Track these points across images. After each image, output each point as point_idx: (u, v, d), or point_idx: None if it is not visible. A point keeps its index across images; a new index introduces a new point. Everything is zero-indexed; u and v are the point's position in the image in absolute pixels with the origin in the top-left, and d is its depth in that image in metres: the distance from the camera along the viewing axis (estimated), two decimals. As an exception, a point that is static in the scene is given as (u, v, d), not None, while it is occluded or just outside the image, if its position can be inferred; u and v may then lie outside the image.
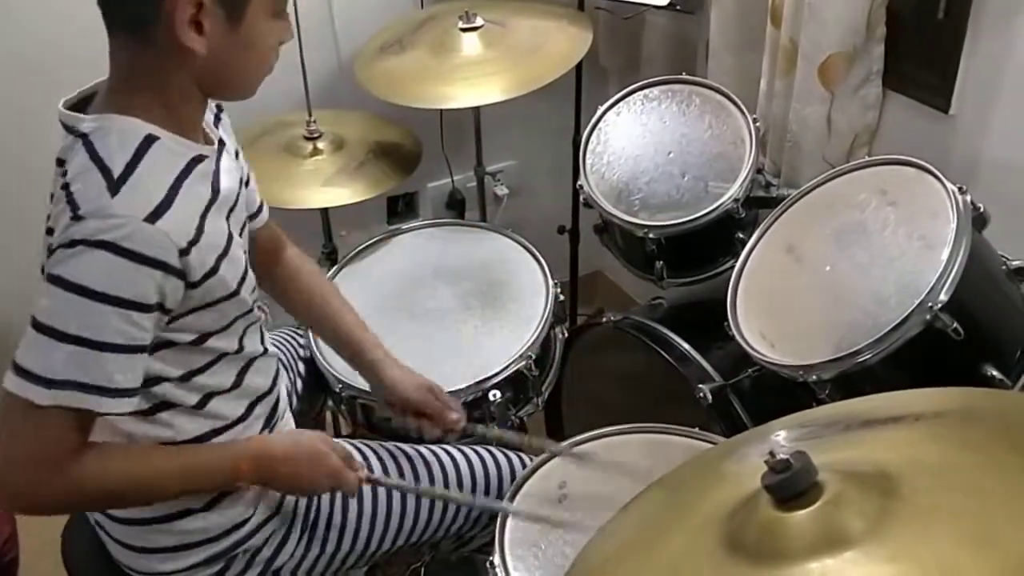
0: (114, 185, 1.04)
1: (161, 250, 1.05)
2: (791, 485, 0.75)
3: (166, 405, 1.19)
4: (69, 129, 1.10)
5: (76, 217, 1.03)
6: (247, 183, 1.35)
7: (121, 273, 1.03)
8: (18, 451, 1.07)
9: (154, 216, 1.05)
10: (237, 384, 1.26)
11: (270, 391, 1.34)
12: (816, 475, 0.75)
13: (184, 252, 1.07)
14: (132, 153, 1.07)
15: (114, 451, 1.15)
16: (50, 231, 1.09)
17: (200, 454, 1.23)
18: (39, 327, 1.04)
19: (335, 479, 1.28)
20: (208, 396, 1.23)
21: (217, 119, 1.28)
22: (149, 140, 1.08)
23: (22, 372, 1.04)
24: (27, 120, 1.92)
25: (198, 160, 1.14)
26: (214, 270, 1.13)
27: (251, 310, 1.24)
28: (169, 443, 1.21)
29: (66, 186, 1.06)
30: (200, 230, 1.10)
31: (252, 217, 1.40)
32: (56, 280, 1.03)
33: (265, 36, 1.12)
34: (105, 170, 1.05)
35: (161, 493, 1.21)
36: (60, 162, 1.10)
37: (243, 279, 1.20)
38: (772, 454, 0.76)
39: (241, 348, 1.25)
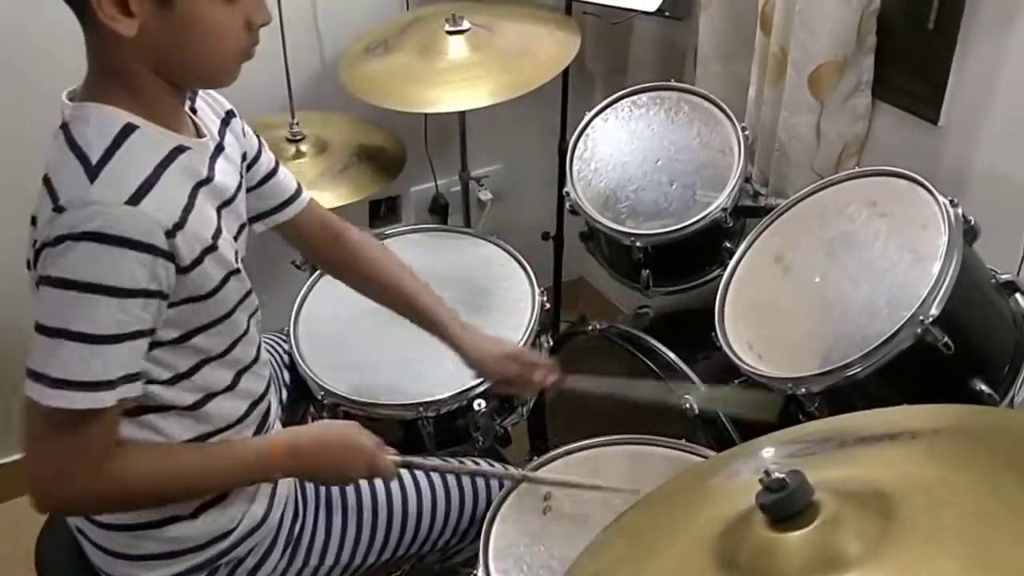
0: (92, 171, 1.03)
1: (146, 232, 1.03)
2: (787, 505, 0.73)
3: (154, 408, 1.17)
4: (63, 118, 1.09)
5: (57, 208, 1.02)
6: (269, 177, 1.38)
7: (110, 261, 1.01)
8: (53, 458, 1.06)
9: (135, 198, 1.03)
10: (234, 385, 1.24)
11: (263, 396, 1.32)
12: (812, 495, 0.74)
13: (170, 234, 1.05)
14: (111, 140, 1.05)
15: (149, 448, 1.16)
16: (33, 220, 1.08)
17: (235, 448, 1.23)
18: (44, 330, 1.03)
19: (370, 464, 1.27)
20: (208, 396, 1.21)
21: (225, 123, 1.27)
22: (128, 129, 1.07)
23: (39, 377, 1.03)
24: (9, 127, 1.89)
25: (180, 150, 1.11)
26: (199, 260, 1.11)
27: (232, 314, 1.21)
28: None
29: (46, 175, 1.05)
30: (185, 215, 1.08)
31: (285, 205, 1.41)
32: (49, 281, 1.02)
33: (214, 17, 1.07)
34: (83, 157, 1.03)
35: (200, 488, 1.21)
36: None
37: (225, 283, 1.16)
38: (767, 473, 0.74)
39: (228, 351, 1.22)
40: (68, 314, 1.02)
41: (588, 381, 1.55)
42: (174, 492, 1.19)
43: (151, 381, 1.14)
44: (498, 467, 1.50)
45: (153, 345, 1.11)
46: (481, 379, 1.55)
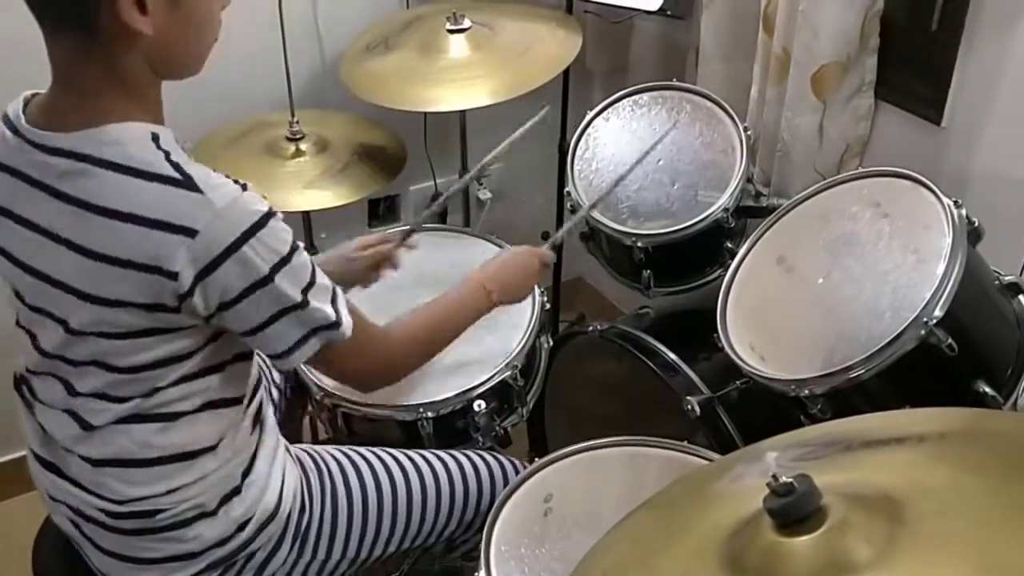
0: (189, 184, 1.04)
1: (263, 200, 1.10)
2: (795, 509, 0.73)
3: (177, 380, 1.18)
4: (51, 150, 1.06)
5: (191, 234, 1.03)
6: None
7: (282, 229, 1.10)
8: (368, 358, 1.27)
9: (237, 183, 1.08)
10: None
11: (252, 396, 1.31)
12: (820, 499, 0.73)
13: None
14: (161, 151, 1.06)
15: (404, 318, 1.34)
16: (174, 275, 1.05)
17: (453, 296, 1.41)
18: (296, 306, 1.12)
19: (542, 262, 1.53)
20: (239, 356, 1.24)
21: None
22: (155, 137, 1.07)
23: (325, 328, 1.15)
24: None
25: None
26: None
27: None
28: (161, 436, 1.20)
29: (137, 216, 1.03)
30: None
31: None
32: (261, 281, 1.08)
33: (209, 7, 1.10)
34: (164, 178, 1.04)
35: (449, 331, 1.39)
36: (54, 193, 1.07)
37: None
38: (775, 477, 0.73)
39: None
40: (297, 279, 1.11)
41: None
42: (434, 338, 1.37)
43: (179, 358, 1.15)
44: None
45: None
46: (476, 382, 1.57)
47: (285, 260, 1.09)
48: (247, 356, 1.25)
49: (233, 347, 1.21)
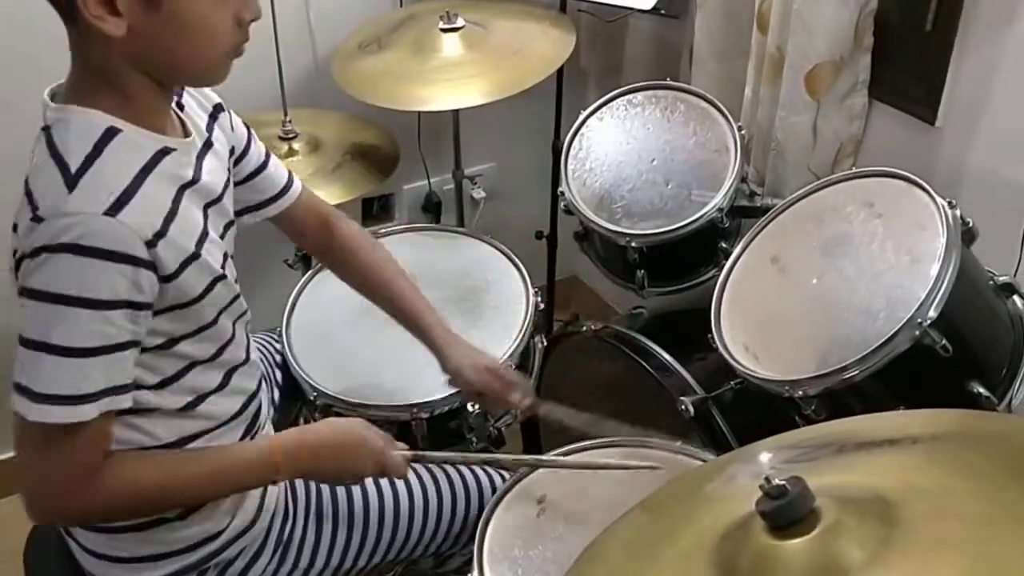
0: (71, 180, 1.01)
1: (125, 243, 1.01)
2: (787, 512, 0.72)
3: (143, 411, 1.15)
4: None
5: (36, 218, 1.00)
6: (260, 170, 1.37)
7: (90, 273, 0.99)
8: (43, 471, 1.06)
9: (114, 209, 1.01)
10: (225, 383, 1.23)
11: (256, 393, 1.30)
12: (813, 501, 0.73)
13: (151, 244, 1.03)
14: (91, 146, 1.03)
15: (143, 458, 1.14)
16: (15, 227, 1.06)
17: (232, 453, 1.21)
18: (26, 343, 1.01)
19: (380, 462, 1.25)
20: (200, 397, 1.20)
21: (213, 118, 1.25)
22: (110, 133, 1.04)
23: (22, 390, 1.02)
24: (14, 113, 1.85)
25: (164, 153, 1.09)
26: (181, 269, 1.09)
27: (217, 321, 1.18)
28: (140, 448, 1.16)
29: (27, 182, 1.04)
30: (167, 223, 1.06)
31: (275, 198, 1.41)
32: (29, 292, 1.01)
33: (203, 14, 1.05)
34: (62, 164, 1.02)
35: (195, 496, 1.20)
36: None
37: (210, 289, 1.14)
38: (768, 479, 0.73)
39: (216, 356, 1.21)
40: (48, 327, 1.00)
41: (562, 412, 1.51)
42: (171, 500, 1.18)
43: (140, 387, 1.12)
44: (510, 456, 1.48)
45: (140, 351, 1.10)
46: (456, 389, 1.50)
47: (70, 300, 0.99)
48: (189, 368, 1.17)
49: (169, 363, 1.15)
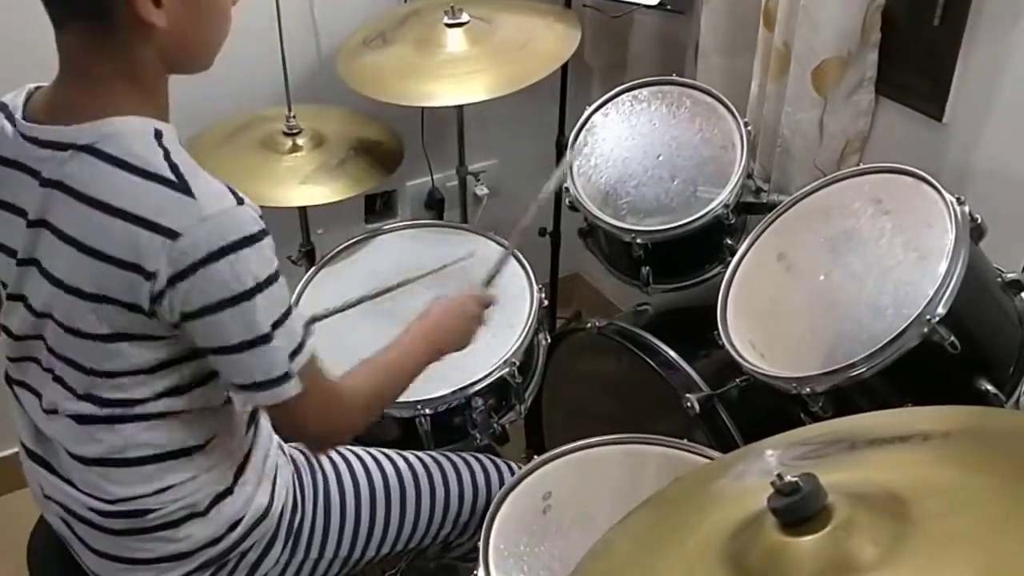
0: (183, 186, 1.01)
1: (259, 218, 1.06)
2: (799, 509, 0.72)
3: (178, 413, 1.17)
4: (53, 145, 1.05)
5: (172, 235, 1.00)
6: None
7: (267, 253, 1.06)
8: (319, 413, 1.18)
9: (235, 196, 1.05)
10: None
11: None
12: (825, 498, 0.72)
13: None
14: (162, 150, 1.04)
15: (360, 368, 1.26)
16: (119, 261, 1.03)
17: (405, 341, 1.33)
18: (264, 337, 1.06)
19: (477, 315, 1.42)
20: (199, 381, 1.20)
21: None
22: (159, 133, 1.06)
23: (277, 381, 1.09)
24: None
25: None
26: None
27: None
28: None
29: (118, 209, 1.02)
30: None
31: None
32: (248, 294, 1.04)
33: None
34: (155, 177, 1.02)
35: (400, 386, 1.31)
36: (47, 182, 1.05)
37: None
38: (780, 476, 0.73)
39: None
40: (273, 309, 1.07)
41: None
42: (393, 392, 1.30)
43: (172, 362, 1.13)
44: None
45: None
46: (474, 379, 1.54)
47: (261, 286, 1.05)
48: None
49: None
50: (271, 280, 1.06)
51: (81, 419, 1.16)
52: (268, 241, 1.05)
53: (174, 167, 1.03)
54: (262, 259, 1.05)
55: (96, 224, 1.03)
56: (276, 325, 1.07)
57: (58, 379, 1.16)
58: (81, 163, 1.03)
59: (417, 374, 1.33)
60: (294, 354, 1.10)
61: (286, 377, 1.10)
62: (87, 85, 1.05)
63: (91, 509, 1.20)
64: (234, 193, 1.05)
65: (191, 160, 1.06)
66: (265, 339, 1.06)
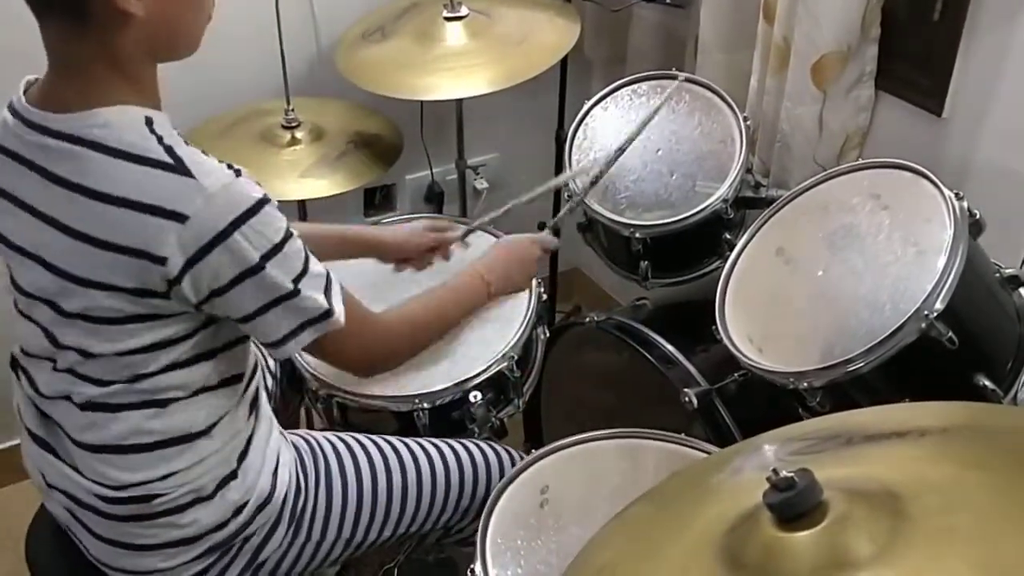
0: (183, 168, 1.03)
1: (259, 187, 1.09)
2: (795, 504, 0.71)
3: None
4: (45, 130, 1.05)
5: (181, 219, 1.02)
6: None
7: (276, 215, 1.09)
8: (362, 340, 1.26)
9: (231, 168, 1.06)
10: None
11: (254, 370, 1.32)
12: (821, 494, 0.72)
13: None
14: (155, 135, 1.05)
15: (401, 305, 1.36)
16: (129, 250, 1.04)
17: (453, 284, 1.44)
18: (290, 293, 1.11)
19: (534, 258, 1.56)
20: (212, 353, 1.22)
21: None
22: (149, 120, 1.06)
23: (324, 315, 1.15)
24: None
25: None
26: None
27: None
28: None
29: (127, 200, 1.03)
30: None
31: None
32: (264, 260, 1.07)
33: None
34: (157, 163, 1.03)
35: (450, 320, 1.43)
36: (45, 173, 1.06)
37: None
38: (775, 471, 0.72)
39: None
40: (293, 264, 1.11)
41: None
42: (437, 327, 1.41)
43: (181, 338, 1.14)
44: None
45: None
46: (472, 373, 1.54)
47: (277, 248, 1.09)
48: (242, 340, 1.24)
49: (226, 334, 1.20)
50: (285, 239, 1.09)
51: (84, 405, 1.17)
52: (273, 202, 1.09)
53: (170, 150, 1.04)
54: (271, 224, 1.08)
55: (97, 214, 1.04)
56: (298, 279, 1.12)
57: (59, 364, 1.17)
58: (76, 155, 1.04)
59: (469, 310, 1.43)
60: (326, 290, 1.15)
61: (328, 314, 1.15)
62: (72, 77, 1.06)
63: (96, 495, 1.20)
64: (230, 166, 1.07)
65: (184, 143, 1.07)
66: (292, 294, 1.11)
